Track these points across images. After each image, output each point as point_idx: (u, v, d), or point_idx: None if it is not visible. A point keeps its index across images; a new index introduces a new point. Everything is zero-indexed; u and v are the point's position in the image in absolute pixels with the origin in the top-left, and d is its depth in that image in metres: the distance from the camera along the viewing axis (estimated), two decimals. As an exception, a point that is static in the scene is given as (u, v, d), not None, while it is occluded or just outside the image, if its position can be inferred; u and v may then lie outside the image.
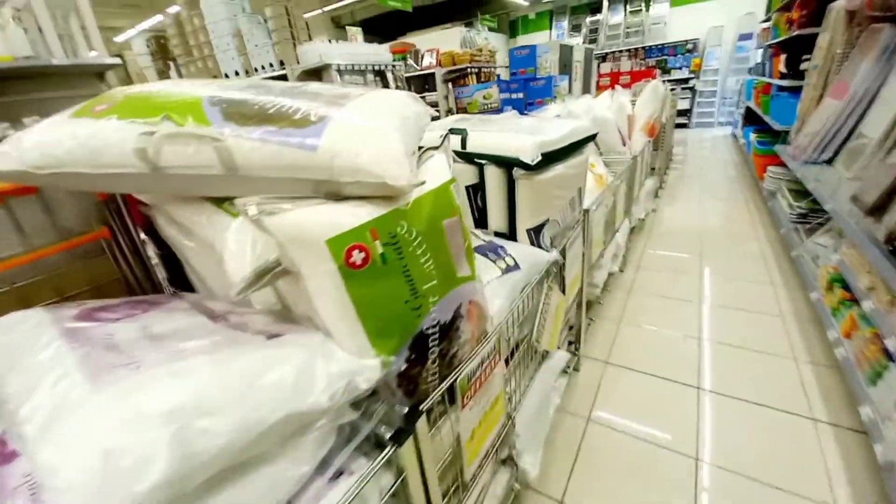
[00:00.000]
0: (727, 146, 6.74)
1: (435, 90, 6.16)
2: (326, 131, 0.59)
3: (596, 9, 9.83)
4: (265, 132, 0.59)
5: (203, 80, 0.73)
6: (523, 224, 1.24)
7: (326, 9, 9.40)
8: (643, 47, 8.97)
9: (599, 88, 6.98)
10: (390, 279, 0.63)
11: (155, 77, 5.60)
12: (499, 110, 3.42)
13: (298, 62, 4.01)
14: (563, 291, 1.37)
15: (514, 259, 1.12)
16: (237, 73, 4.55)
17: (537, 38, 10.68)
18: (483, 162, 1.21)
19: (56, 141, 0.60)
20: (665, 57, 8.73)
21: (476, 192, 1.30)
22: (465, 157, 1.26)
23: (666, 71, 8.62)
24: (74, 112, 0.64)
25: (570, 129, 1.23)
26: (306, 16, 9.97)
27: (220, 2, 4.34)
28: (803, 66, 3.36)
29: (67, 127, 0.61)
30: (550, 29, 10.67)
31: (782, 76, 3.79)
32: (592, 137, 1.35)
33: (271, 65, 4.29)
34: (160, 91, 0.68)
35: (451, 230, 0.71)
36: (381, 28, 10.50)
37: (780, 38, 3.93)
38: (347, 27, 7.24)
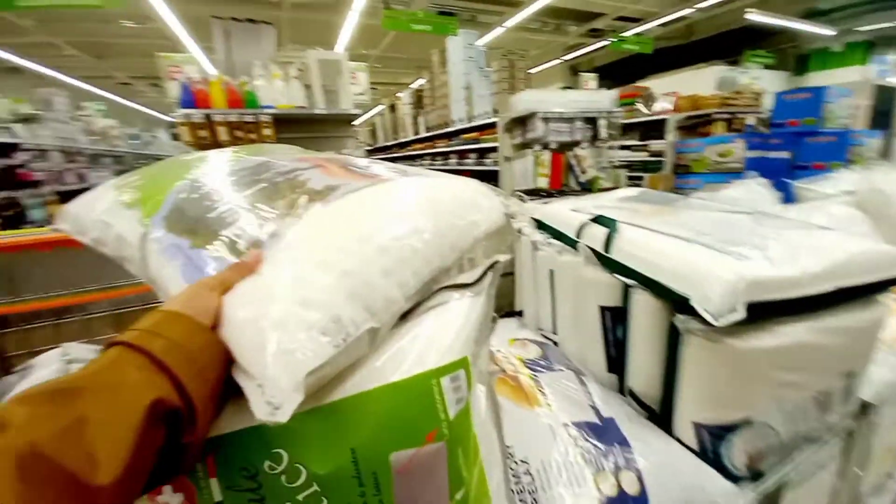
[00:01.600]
0: None
1: (662, 138, 5.24)
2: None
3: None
4: (175, 245, 0.41)
5: (225, 154, 0.63)
6: (688, 411, 0.67)
7: (563, 59, 9.60)
8: None
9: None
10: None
11: (410, 120, 6.84)
12: (738, 174, 2.47)
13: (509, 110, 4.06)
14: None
15: (638, 478, 0.60)
16: (461, 119, 5.03)
17: (840, 75, 7.81)
18: (630, 283, 0.73)
19: (87, 215, 0.59)
20: None
21: (616, 319, 0.81)
22: (607, 262, 0.80)
23: None
24: (114, 184, 0.62)
25: (833, 260, 0.60)
26: (546, 65, 10.47)
27: (462, 60, 4.90)
28: None
29: (99, 201, 0.59)
30: (864, 64, 7.65)
31: None
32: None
33: (487, 112, 4.53)
34: (171, 169, 0.59)
35: (410, 474, 0.35)
36: (619, 72, 9.96)
37: None
38: (582, 74, 7.15)
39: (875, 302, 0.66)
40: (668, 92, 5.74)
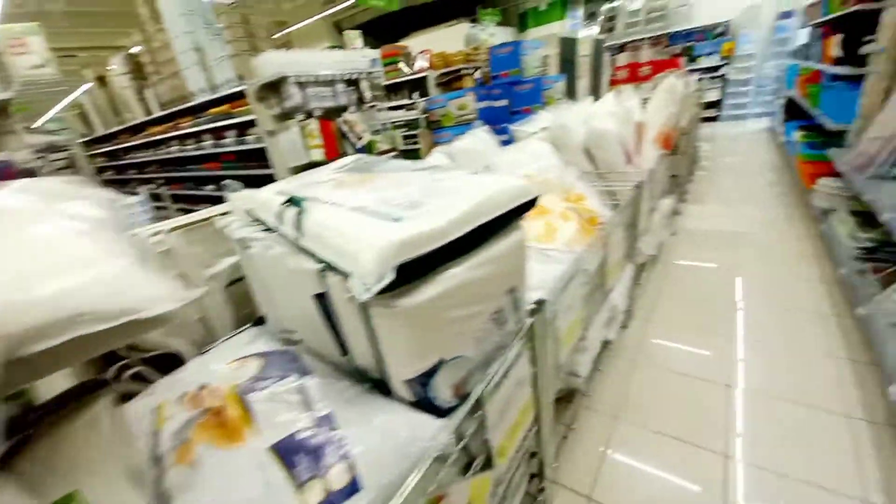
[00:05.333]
0: (763, 143, 5.88)
1: (427, 95, 5.64)
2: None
3: (613, -6, 9.03)
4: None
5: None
6: (397, 373, 0.70)
7: (322, 14, 9.05)
8: (666, 34, 8.11)
9: (614, 84, 6.25)
10: None
11: (133, 95, 5.35)
12: (471, 124, 2.87)
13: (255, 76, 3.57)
14: (490, 461, 0.82)
15: (350, 467, 0.59)
16: (202, 90, 4.18)
17: (551, 29, 9.95)
18: (321, 266, 0.69)
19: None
20: (692, 43, 7.85)
21: (326, 308, 0.77)
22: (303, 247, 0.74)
23: (693, 59, 7.74)
24: None
25: (473, 202, 0.69)
26: (306, 22, 9.67)
27: (181, 14, 3.97)
28: (865, 49, 2.63)
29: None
30: (563, 19, 9.92)
31: (836, 62, 3.05)
32: (529, 205, 0.80)
33: (231, 79, 3.89)
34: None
35: None
36: (381, 31, 10.04)
37: (833, 15, 3.18)
38: (346, 32, 6.84)
39: (515, 227, 0.80)
40: (425, 50, 6.10)
